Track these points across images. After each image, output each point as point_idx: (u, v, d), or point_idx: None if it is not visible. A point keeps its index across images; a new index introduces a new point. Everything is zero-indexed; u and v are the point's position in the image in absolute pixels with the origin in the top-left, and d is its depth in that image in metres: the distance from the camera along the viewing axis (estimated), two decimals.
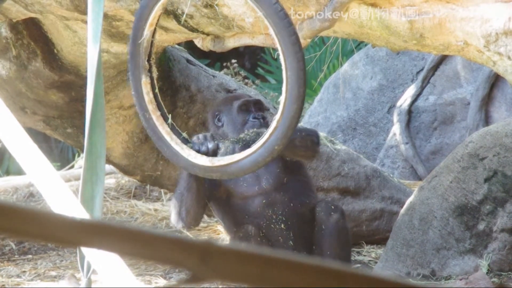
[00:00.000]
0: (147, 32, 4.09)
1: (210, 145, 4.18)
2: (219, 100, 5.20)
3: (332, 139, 6.14)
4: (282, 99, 3.84)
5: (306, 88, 3.86)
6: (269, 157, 3.90)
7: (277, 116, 3.86)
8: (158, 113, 4.16)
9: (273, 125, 3.87)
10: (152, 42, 4.13)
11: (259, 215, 4.58)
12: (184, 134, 4.17)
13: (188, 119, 5.82)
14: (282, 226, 4.57)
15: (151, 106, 4.15)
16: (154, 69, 4.17)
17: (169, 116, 4.16)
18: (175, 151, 4.10)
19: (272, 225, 4.59)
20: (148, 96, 4.15)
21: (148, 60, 4.16)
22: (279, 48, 3.79)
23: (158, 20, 4.10)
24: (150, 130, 4.15)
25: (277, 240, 4.57)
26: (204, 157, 4.08)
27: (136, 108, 4.20)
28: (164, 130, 4.13)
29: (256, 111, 4.72)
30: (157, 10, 4.04)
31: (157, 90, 4.17)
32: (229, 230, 4.76)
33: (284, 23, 3.76)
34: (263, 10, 3.79)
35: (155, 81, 4.18)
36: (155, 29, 4.11)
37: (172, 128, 4.16)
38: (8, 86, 5.54)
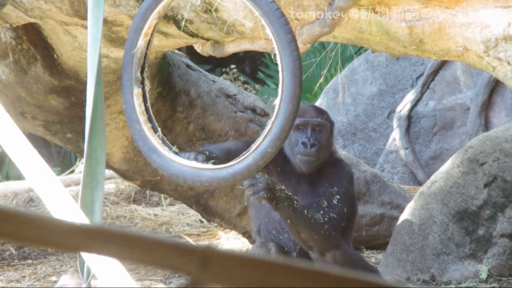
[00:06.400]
0: (141, 42, 4.08)
1: (200, 157, 4.09)
2: None
3: None
4: (277, 100, 3.80)
5: (302, 88, 3.80)
6: (261, 160, 3.81)
7: (272, 118, 3.80)
8: (149, 125, 4.12)
9: (267, 127, 3.81)
10: (146, 54, 4.11)
11: (277, 220, 4.54)
12: (174, 148, 4.12)
13: (188, 124, 5.82)
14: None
15: (142, 118, 4.10)
16: (147, 82, 4.14)
17: (159, 129, 4.13)
18: (168, 159, 4.03)
19: (282, 235, 4.55)
20: (140, 108, 4.11)
21: (142, 73, 4.13)
22: (276, 48, 3.77)
23: (153, 31, 4.09)
24: (141, 141, 4.09)
25: (282, 248, 4.53)
26: (195, 162, 4.00)
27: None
28: (155, 140, 4.08)
29: (312, 134, 4.52)
30: (152, 19, 4.03)
31: (149, 104, 4.13)
32: (252, 219, 4.71)
33: (281, 22, 3.75)
34: (259, 9, 3.79)
35: (147, 94, 4.14)
36: (149, 41, 4.09)
37: (163, 141, 4.11)
38: (8, 91, 5.54)
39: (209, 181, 3.93)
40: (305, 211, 4.27)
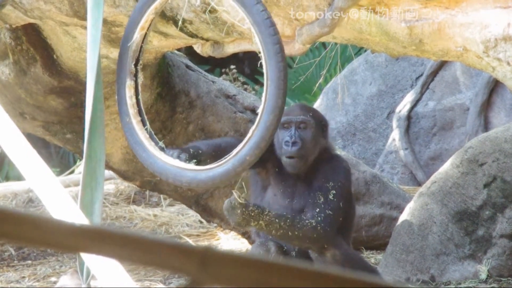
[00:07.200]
0: (137, 35, 4.08)
1: (183, 156, 4.10)
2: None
3: None
4: (260, 108, 3.81)
5: (285, 100, 3.79)
6: (239, 167, 3.81)
7: (253, 126, 3.81)
8: (139, 118, 4.13)
9: (248, 135, 3.82)
10: (141, 47, 4.11)
11: None
12: (161, 143, 4.12)
13: (188, 125, 5.82)
14: None
15: (132, 111, 4.11)
16: (141, 75, 4.14)
17: (148, 123, 4.13)
18: (152, 155, 4.04)
19: None
20: (131, 100, 4.12)
21: (136, 65, 4.13)
22: (262, 57, 3.78)
23: (150, 25, 4.09)
24: (129, 134, 4.10)
25: (281, 247, 4.53)
26: (178, 160, 4.02)
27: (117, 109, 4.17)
28: (142, 134, 4.09)
29: (296, 131, 4.45)
30: (149, 14, 4.04)
31: (140, 96, 4.14)
32: None
33: (270, 31, 3.75)
34: (250, 17, 3.79)
35: (140, 87, 4.14)
36: (145, 34, 4.09)
37: (151, 136, 4.11)
38: (7, 92, 5.54)
39: (189, 182, 3.97)
40: (289, 232, 4.25)
